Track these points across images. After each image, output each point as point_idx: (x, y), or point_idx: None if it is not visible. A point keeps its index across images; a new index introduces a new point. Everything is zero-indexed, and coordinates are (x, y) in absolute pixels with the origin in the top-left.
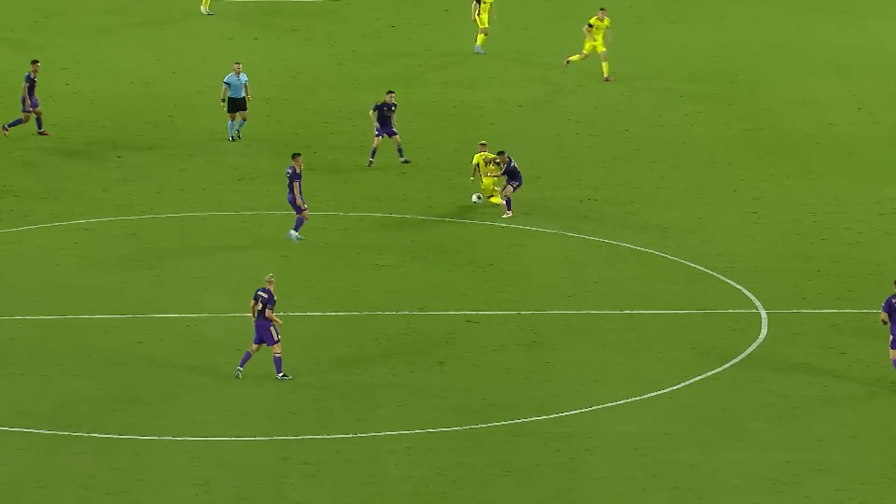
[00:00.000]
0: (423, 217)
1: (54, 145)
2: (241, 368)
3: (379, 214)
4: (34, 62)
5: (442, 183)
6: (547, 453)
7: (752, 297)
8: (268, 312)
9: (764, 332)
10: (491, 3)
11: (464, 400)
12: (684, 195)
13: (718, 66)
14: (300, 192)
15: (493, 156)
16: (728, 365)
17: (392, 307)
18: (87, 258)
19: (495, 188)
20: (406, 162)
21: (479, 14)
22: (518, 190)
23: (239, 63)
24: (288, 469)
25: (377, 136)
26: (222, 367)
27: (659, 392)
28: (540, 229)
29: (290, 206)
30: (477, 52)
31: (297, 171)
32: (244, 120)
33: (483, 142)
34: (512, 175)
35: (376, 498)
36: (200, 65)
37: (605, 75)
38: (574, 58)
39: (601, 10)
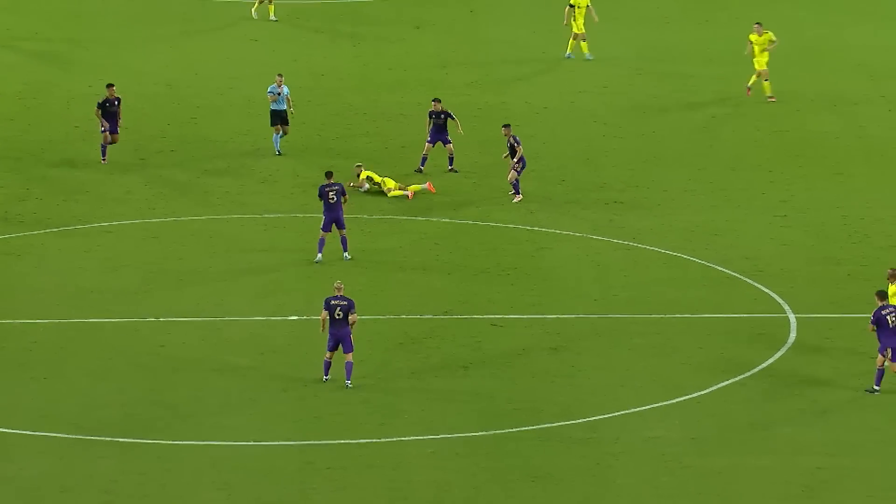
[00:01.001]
0: (447, 220)
1: (76, 148)
2: (328, 376)
3: (402, 218)
4: (109, 86)
5: (466, 186)
6: (573, 458)
7: (781, 301)
8: (352, 317)
9: (793, 336)
10: (587, 6)
11: (489, 404)
12: (711, 198)
13: (747, 69)
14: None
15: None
16: (756, 370)
17: (416, 311)
18: (109, 261)
19: (399, 187)
20: (453, 171)
21: (573, 19)
22: (523, 172)
23: (281, 75)
24: (312, 474)
25: (428, 142)
26: (245, 371)
27: (686, 397)
28: (565, 232)
29: (336, 225)
30: (568, 58)
31: (343, 187)
32: (284, 133)
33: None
34: (513, 153)
35: (400, 503)
36: (224, 66)
37: (768, 95)
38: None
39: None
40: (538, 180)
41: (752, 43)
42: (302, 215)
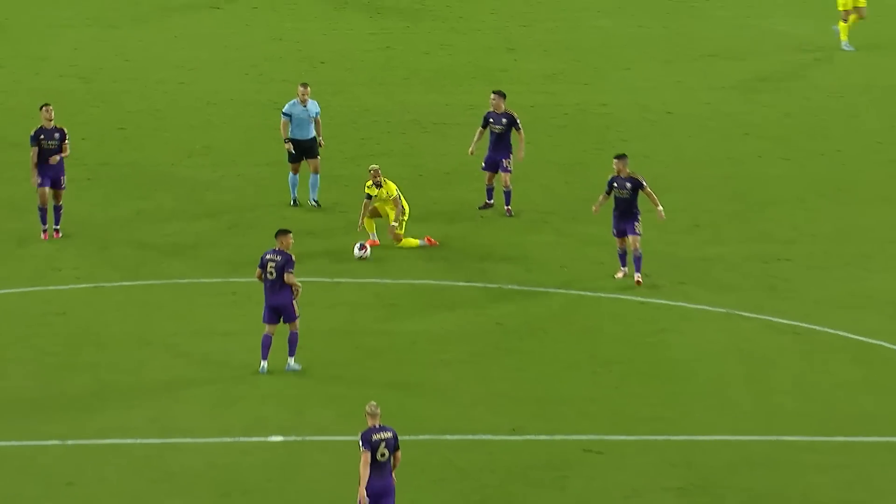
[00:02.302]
0: (513, 287)
1: None
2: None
3: (446, 283)
4: (44, 107)
5: (547, 228)
6: None
7: None
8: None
9: None
10: None
11: None
12: None
13: None
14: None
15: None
16: None
17: (467, 429)
18: None
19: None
20: (509, 214)
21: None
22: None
23: (306, 84)
24: None
25: (484, 168)
26: None
27: None
28: (700, 306)
29: (283, 316)
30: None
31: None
32: (316, 174)
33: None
34: (627, 206)
35: None
36: (170, 51)
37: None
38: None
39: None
40: (656, 227)
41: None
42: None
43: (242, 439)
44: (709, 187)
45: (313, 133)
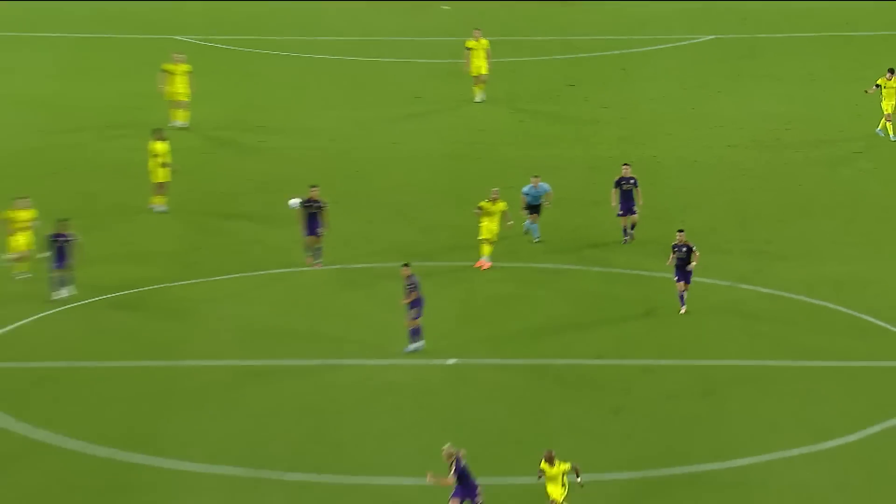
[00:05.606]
0: (598, 269)
1: (250, 200)
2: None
3: (552, 266)
4: (312, 188)
5: (617, 234)
6: (723, 501)
7: None
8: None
9: None
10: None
11: (639, 447)
12: (860, 249)
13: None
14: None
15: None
16: None
17: (569, 355)
18: (279, 306)
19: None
20: (628, 241)
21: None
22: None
23: (538, 176)
24: None
25: (620, 214)
26: (407, 413)
27: (834, 443)
28: (713, 281)
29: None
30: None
31: None
32: (536, 225)
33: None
34: (681, 265)
35: None
36: (388, 123)
37: (892, 135)
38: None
39: (889, 70)
40: (688, 232)
41: (880, 86)
42: (461, 263)
43: (431, 362)
44: (720, 206)
45: (540, 202)
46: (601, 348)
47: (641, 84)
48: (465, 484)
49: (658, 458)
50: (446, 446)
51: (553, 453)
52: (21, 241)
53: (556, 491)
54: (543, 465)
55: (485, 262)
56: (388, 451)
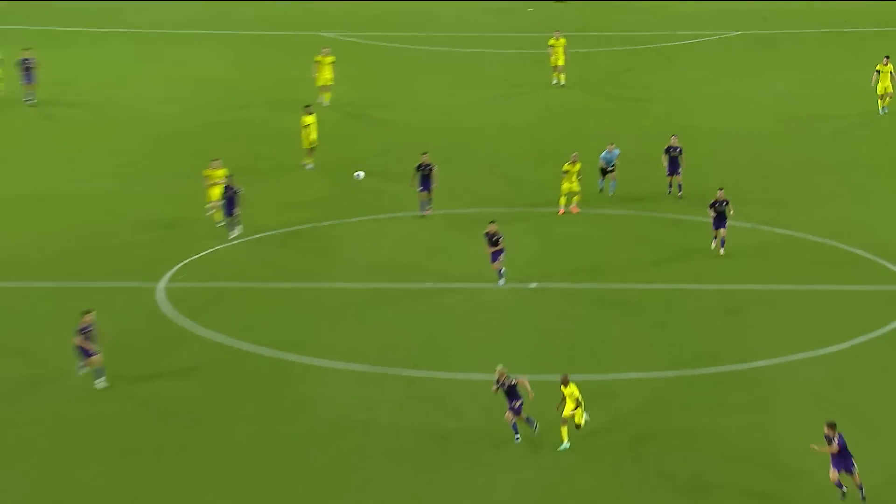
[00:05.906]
0: (649, 214)
1: (374, 161)
2: None
3: (612, 212)
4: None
5: (664, 188)
6: (743, 394)
7: None
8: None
9: None
10: (891, 72)
11: (679, 352)
12: (855, 199)
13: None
14: None
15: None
16: (889, 328)
17: (624, 281)
18: (399, 242)
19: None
20: (681, 197)
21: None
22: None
23: (612, 143)
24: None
25: (669, 175)
26: (498, 325)
27: (831, 349)
28: (740, 223)
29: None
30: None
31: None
32: (615, 181)
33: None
34: (720, 219)
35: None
36: (484, 101)
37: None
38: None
39: (886, 57)
40: (716, 185)
41: (878, 72)
42: (545, 209)
43: (513, 285)
44: (743, 165)
45: (613, 165)
46: (649, 276)
47: (683, 70)
48: (511, 396)
49: (693, 360)
50: (499, 367)
51: (568, 377)
52: (216, 193)
53: (569, 408)
54: (561, 388)
55: (574, 207)
56: (483, 354)
